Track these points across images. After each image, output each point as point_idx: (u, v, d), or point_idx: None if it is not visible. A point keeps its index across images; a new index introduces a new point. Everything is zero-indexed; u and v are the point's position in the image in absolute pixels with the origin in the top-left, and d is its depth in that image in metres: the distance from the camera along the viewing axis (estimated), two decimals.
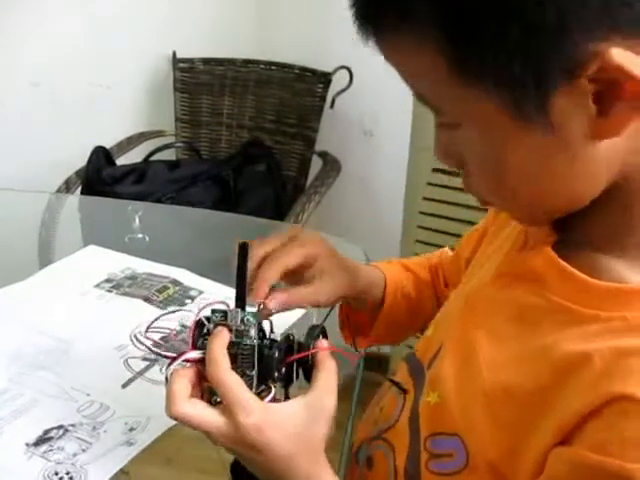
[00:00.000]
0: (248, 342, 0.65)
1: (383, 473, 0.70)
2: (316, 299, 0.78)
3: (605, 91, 0.49)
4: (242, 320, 0.66)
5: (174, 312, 0.83)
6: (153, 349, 0.71)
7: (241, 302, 0.67)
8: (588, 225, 0.59)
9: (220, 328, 0.66)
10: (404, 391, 0.72)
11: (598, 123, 0.50)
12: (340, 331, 0.91)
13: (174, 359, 0.66)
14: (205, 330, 0.67)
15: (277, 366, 0.65)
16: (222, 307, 0.68)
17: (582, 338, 0.55)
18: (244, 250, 0.69)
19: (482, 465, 0.60)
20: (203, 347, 0.65)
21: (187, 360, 0.66)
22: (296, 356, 0.66)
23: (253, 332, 0.66)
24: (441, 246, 1.00)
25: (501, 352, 0.61)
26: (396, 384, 0.73)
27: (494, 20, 0.48)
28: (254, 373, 0.65)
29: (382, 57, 0.57)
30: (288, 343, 0.67)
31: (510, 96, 0.50)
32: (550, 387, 0.55)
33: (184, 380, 0.64)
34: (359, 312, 0.91)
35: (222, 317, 0.67)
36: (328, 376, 0.66)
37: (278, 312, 0.72)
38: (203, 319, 0.67)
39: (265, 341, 0.67)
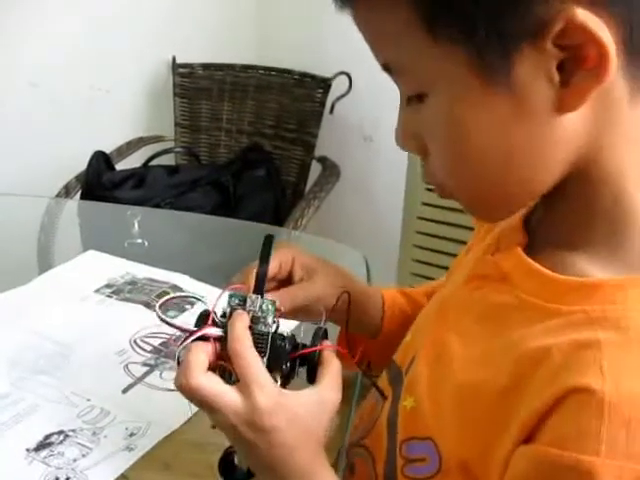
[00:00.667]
0: (264, 329, 0.65)
1: (365, 478, 0.70)
2: (310, 294, 0.77)
3: (568, 59, 0.49)
4: (260, 307, 0.66)
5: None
6: (170, 322, 0.68)
7: (260, 289, 0.67)
8: (553, 223, 0.60)
9: (240, 311, 0.65)
10: (383, 396, 0.72)
11: (560, 93, 0.50)
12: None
13: (192, 333, 0.65)
14: (222, 312, 0.67)
15: (286, 358, 0.66)
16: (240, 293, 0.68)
17: (544, 333, 0.55)
18: (269, 240, 0.70)
19: (455, 468, 0.60)
20: (222, 327, 0.65)
21: (205, 336, 0.65)
22: (303, 351, 0.66)
23: (270, 319, 0.66)
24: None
25: (471, 352, 0.61)
26: (377, 387, 0.73)
27: None
28: (264, 361, 0.65)
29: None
30: (295, 340, 0.68)
31: (477, 54, 0.51)
32: (515, 384, 0.55)
33: (202, 353, 0.63)
34: (357, 336, 0.88)
35: (240, 302, 0.67)
36: (333, 373, 0.66)
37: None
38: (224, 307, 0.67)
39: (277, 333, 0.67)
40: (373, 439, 0.70)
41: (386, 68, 0.58)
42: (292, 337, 0.68)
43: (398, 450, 0.66)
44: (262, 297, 0.67)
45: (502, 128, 0.53)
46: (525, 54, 0.50)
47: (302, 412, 0.64)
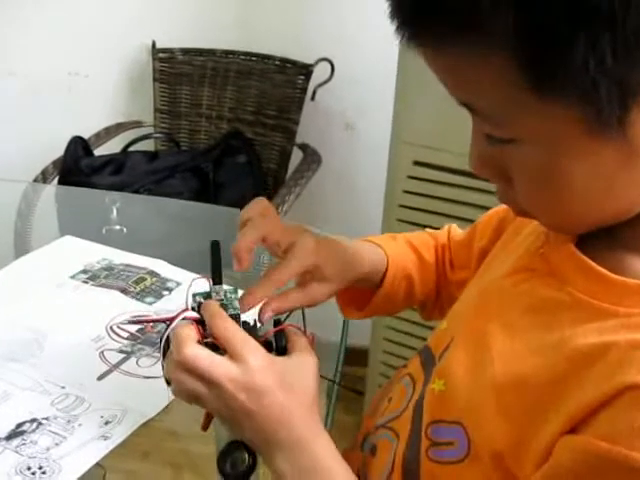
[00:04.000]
0: (232, 312, 0.70)
1: (385, 460, 0.70)
2: (312, 301, 0.77)
3: None
4: (225, 294, 0.71)
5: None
6: (153, 317, 0.74)
7: (219, 280, 0.73)
8: (615, 227, 0.58)
9: (208, 301, 0.70)
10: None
11: None
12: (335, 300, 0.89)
13: (171, 320, 0.68)
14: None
15: (257, 338, 0.68)
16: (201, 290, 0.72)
17: (599, 332, 0.54)
18: (215, 248, 0.75)
19: (485, 456, 0.60)
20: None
21: (185, 319, 0.68)
22: (269, 331, 0.70)
23: (236, 303, 0.71)
24: None
25: (515, 344, 0.61)
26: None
27: (584, 28, 0.45)
28: None
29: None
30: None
31: (593, 109, 0.48)
32: (563, 378, 0.55)
33: (189, 330, 0.66)
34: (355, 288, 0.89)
35: (205, 298, 0.71)
36: (303, 342, 0.70)
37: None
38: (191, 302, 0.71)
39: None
40: (400, 421, 0.70)
41: (466, 105, 0.55)
42: (255, 323, 0.71)
43: (423, 432, 0.66)
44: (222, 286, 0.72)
45: (605, 173, 0.52)
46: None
47: (291, 372, 0.67)
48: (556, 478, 0.54)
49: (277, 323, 0.72)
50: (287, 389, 0.66)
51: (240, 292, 0.73)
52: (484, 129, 0.55)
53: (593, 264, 0.58)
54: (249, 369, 0.64)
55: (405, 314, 1.72)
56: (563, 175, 0.53)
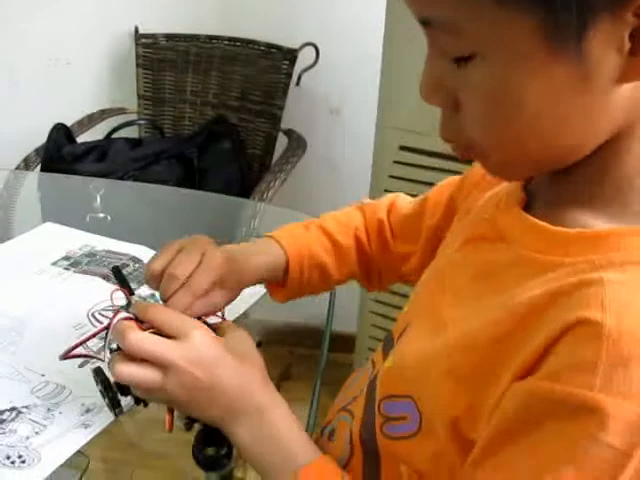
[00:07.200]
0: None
1: (343, 442, 0.70)
2: (214, 307, 0.78)
3: (638, 28, 0.47)
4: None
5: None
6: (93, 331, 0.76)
7: (131, 292, 0.78)
8: (557, 183, 0.59)
9: (134, 299, 0.75)
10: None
11: (628, 62, 0.49)
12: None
13: (109, 325, 0.71)
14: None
15: None
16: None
17: (546, 283, 0.53)
18: (117, 270, 0.82)
19: (440, 427, 0.59)
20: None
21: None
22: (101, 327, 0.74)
23: None
24: None
25: (465, 309, 0.60)
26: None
27: None
28: None
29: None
30: None
31: (549, 18, 0.47)
32: (511, 333, 0.54)
33: (129, 321, 0.69)
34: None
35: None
36: (228, 323, 0.75)
37: None
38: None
39: None
40: (357, 402, 0.71)
41: (425, 22, 0.53)
42: None
43: (376, 409, 0.66)
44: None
45: (559, 95, 0.51)
46: (602, 23, 0.47)
47: (236, 344, 0.70)
48: (502, 428, 0.52)
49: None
50: (239, 359, 0.68)
51: (157, 294, 0.76)
52: (443, 46, 0.54)
53: (536, 220, 0.58)
54: (195, 343, 0.66)
55: (392, 300, 1.72)
56: (516, 95, 0.51)
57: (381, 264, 0.96)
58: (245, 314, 0.99)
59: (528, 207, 0.61)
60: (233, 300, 0.81)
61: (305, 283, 0.90)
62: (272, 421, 0.66)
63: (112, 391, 0.71)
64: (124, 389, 0.71)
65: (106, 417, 0.81)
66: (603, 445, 0.46)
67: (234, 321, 0.93)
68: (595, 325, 0.47)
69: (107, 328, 0.71)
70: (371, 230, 0.95)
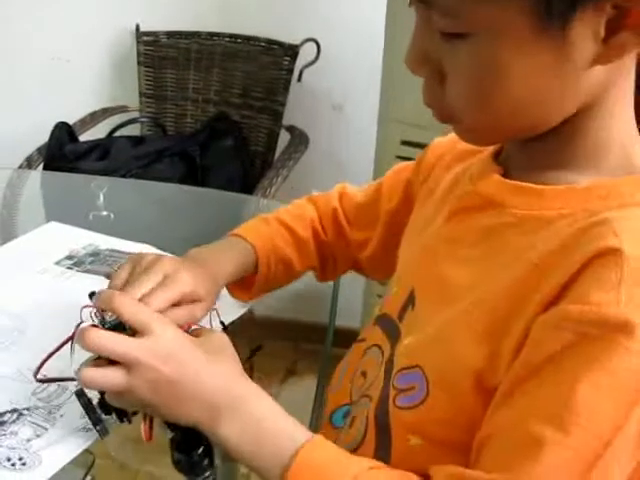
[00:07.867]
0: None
1: (359, 425, 0.70)
2: (194, 318, 0.77)
3: (614, 18, 0.53)
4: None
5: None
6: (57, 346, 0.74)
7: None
8: (531, 150, 0.63)
9: (100, 290, 0.72)
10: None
11: (601, 48, 0.54)
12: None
13: (73, 335, 0.68)
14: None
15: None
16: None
17: (553, 234, 0.58)
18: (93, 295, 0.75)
19: (462, 385, 0.60)
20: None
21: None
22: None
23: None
24: None
25: (473, 271, 0.64)
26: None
27: None
28: None
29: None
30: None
31: (541, 2, 0.52)
32: (527, 279, 0.57)
33: (90, 326, 0.68)
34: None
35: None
36: (205, 329, 0.74)
37: None
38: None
39: None
40: (374, 385, 0.71)
41: (423, 1, 0.57)
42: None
43: (391, 384, 0.67)
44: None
45: (540, 75, 0.56)
46: (586, 11, 0.52)
47: (211, 342, 0.69)
48: (536, 353, 0.55)
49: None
50: (212, 353, 0.66)
51: None
52: (436, 25, 0.57)
53: (520, 182, 0.63)
54: (161, 339, 0.65)
55: None
56: (501, 71, 0.56)
57: (337, 252, 0.98)
58: (250, 311, 0.99)
59: (504, 176, 0.65)
60: (212, 305, 0.81)
61: (271, 278, 0.92)
62: (254, 410, 0.64)
63: (94, 412, 0.70)
64: (108, 408, 0.69)
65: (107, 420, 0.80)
66: (632, 352, 0.51)
67: (234, 321, 0.93)
68: (614, 251, 0.52)
69: (72, 338, 0.69)
70: (325, 220, 0.97)
